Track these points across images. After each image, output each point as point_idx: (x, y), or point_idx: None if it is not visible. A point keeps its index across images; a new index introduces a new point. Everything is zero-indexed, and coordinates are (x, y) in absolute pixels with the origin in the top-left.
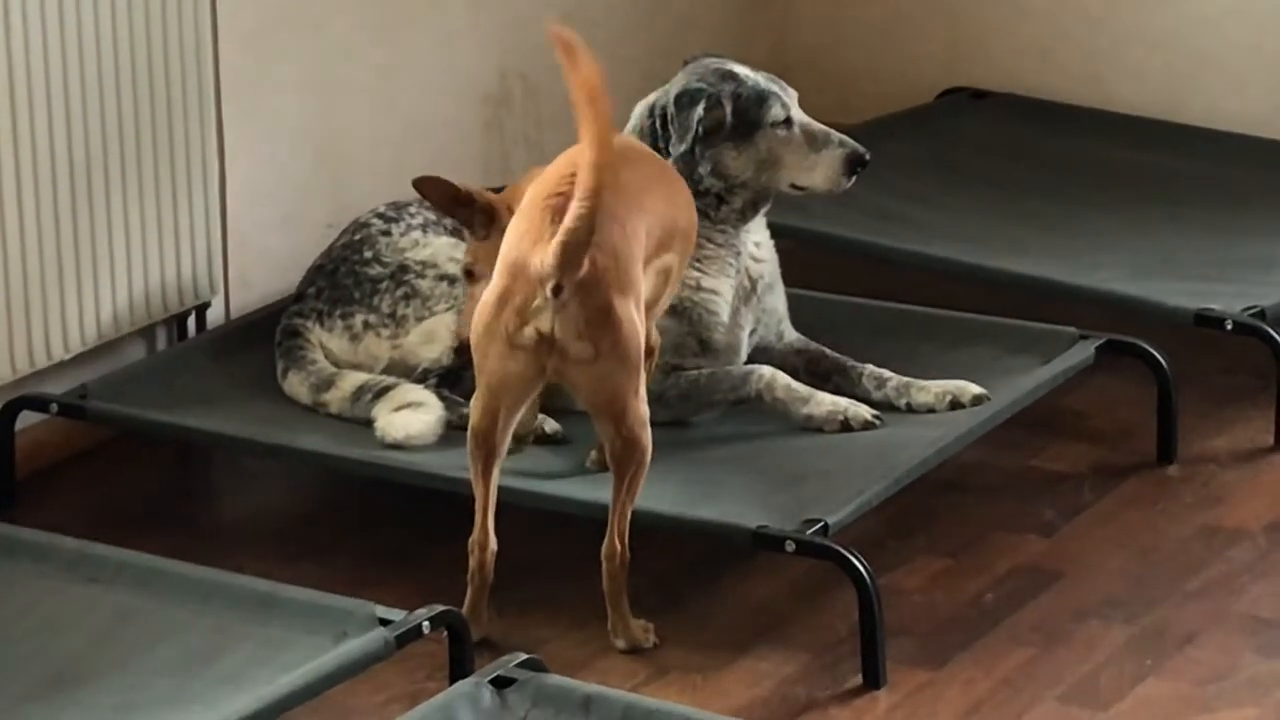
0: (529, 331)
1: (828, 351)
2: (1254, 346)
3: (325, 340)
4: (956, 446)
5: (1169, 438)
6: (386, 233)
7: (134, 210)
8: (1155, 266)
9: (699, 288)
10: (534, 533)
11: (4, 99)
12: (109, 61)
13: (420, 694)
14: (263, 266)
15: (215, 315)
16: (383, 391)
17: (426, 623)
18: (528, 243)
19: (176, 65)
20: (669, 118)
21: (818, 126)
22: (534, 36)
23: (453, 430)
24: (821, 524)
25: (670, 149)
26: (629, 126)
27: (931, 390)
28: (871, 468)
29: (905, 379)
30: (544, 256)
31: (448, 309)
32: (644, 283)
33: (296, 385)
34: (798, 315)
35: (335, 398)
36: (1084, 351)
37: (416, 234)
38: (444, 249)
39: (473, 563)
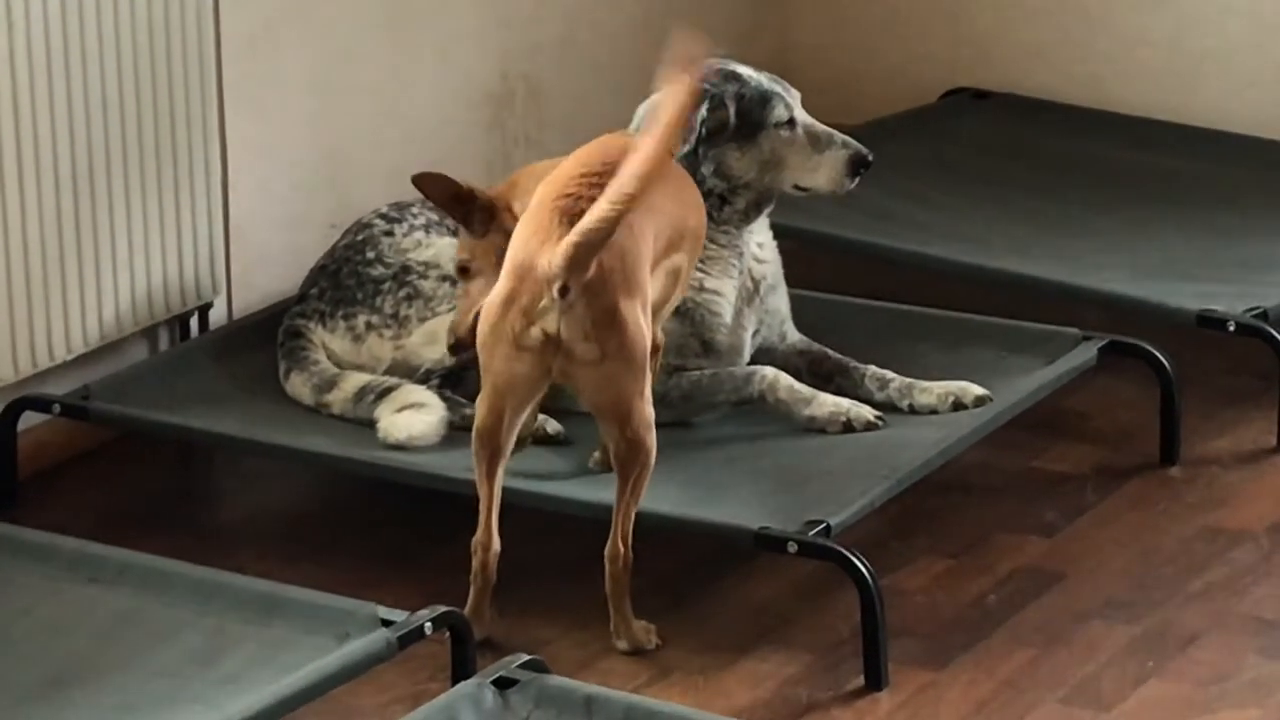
0: (535, 332)
1: (830, 352)
2: (1256, 347)
3: (328, 341)
4: (959, 448)
5: (1171, 439)
6: (389, 233)
7: (136, 210)
8: (1157, 267)
9: (702, 289)
10: (536, 533)
11: (7, 100)
12: (111, 62)
13: (422, 695)
14: (265, 267)
15: (218, 316)
16: (385, 392)
17: (429, 623)
18: (535, 243)
19: (179, 66)
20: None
21: (821, 127)
22: (537, 37)
23: (455, 431)
24: (824, 525)
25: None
26: (631, 127)
27: (934, 391)
28: (874, 469)
29: (908, 380)
30: (551, 257)
31: (450, 310)
32: (653, 283)
33: (299, 386)
34: (800, 316)
35: (338, 398)
36: (1087, 352)
37: (419, 234)
38: (446, 250)
39: (476, 563)
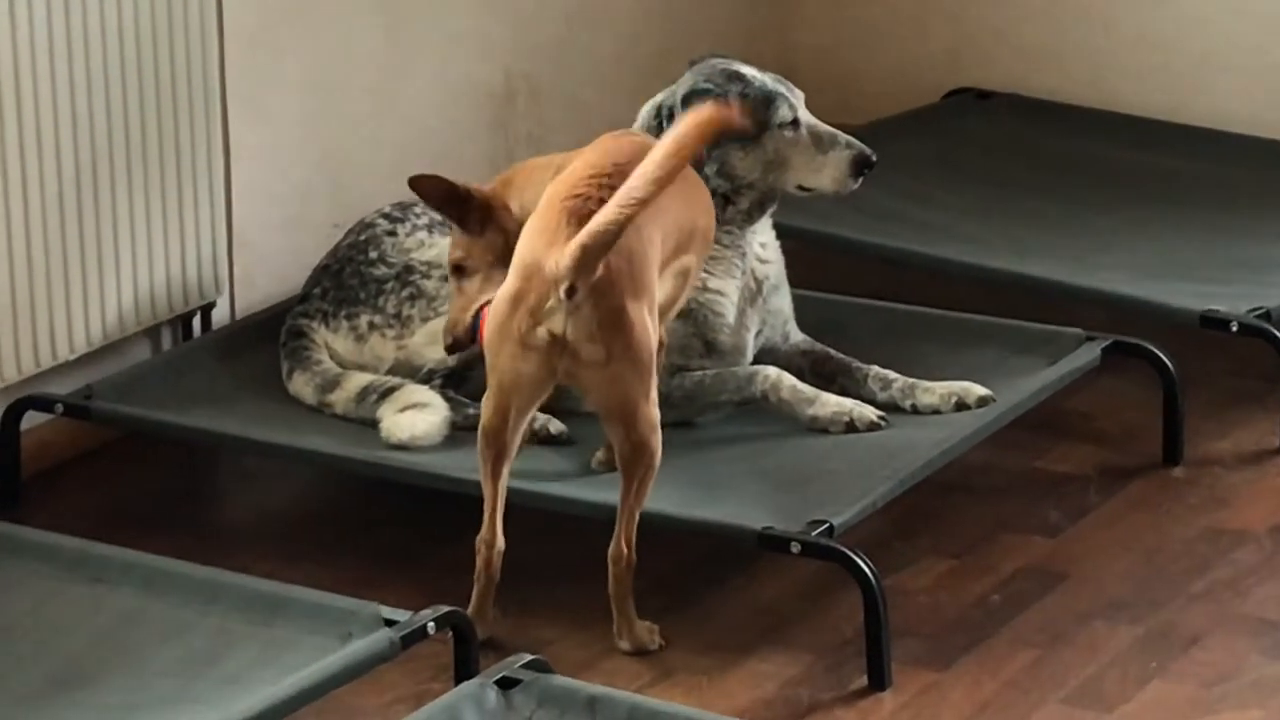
0: (541, 333)
1: (833, 352)
2: (1260, 348)
3: (330, 341)
4: (962, 448)
5: (1174, 439)
6: (392, 233)
7: (139, 210)
8: (1160, 267)
9: (705, 289)
10: (539, 533)
11: (9, 99)
12: (114, 62)
13: (425, 695)
14: (268, 267)
15: (220, 315)
16: (388, 392)
17: (431, 623)
18: (543, 243)
19: (182, 66)
20: (676, 119)
21: (824, 128)
22: (539, 36)
23: (458, 431)
24: (827, 525)
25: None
26: (635, 127)
27: (937, 391)
28: (877, 469)
29: (910, 380)
30: (559, 258)
31: None
32: (662, 285)
33: (301, 386)
34: (803, 316)
35: (340, 398)
36: (1090, 353)
37: (422, 234)
38: (449, 249)
39: (480, 561)
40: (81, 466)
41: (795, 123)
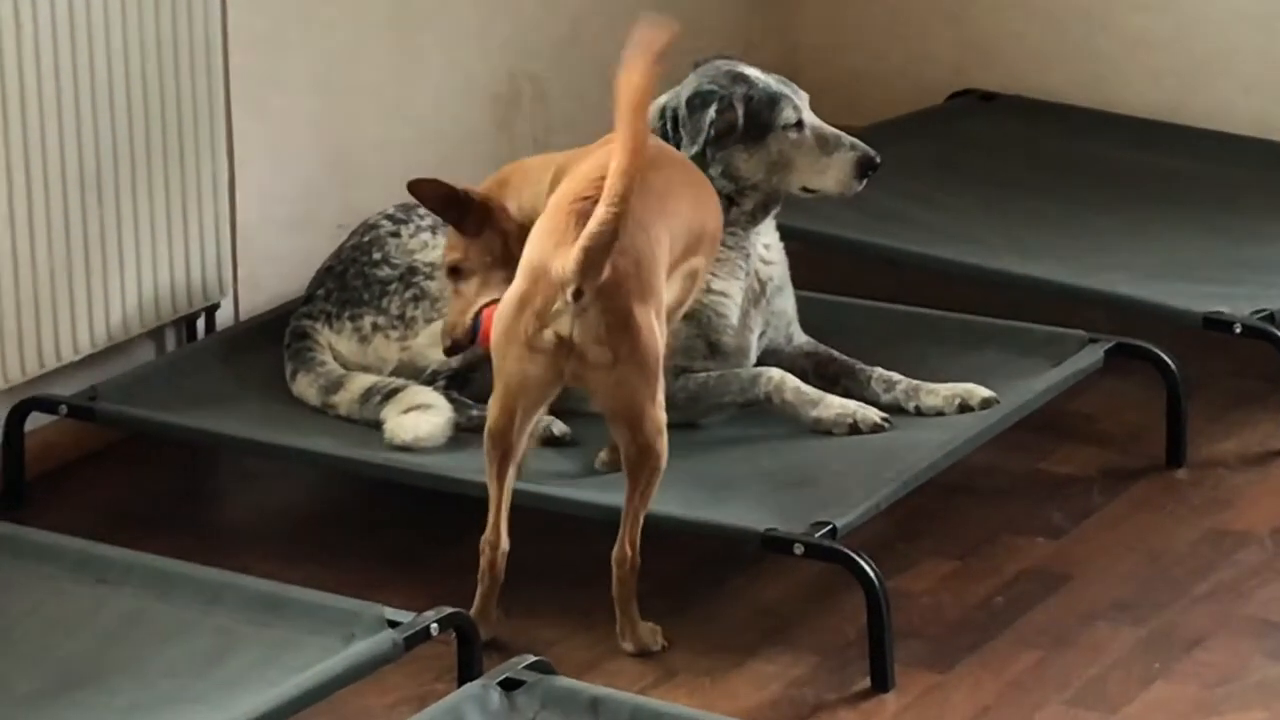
0: (548, 335)
1: (836, 354)
2: (1263, 349)
3: (334, 342)
4: (965, 449)
5: (1178, 441)
6: (396, 234)
7: (144, 212)
8: (1163, 269)
9: (709, 290)
10: (542, 534)
11: (14, 101)
12: (119, 63)
13: (428, 696)
14: (272, 268)
15: (224, 317)
16: (391, 393)
17: (435, 625)
18: (550, 245)
19: (186, 67)
20: (680, 120)
21: (829, 129)
22: (543, 37)
23: (461, 432)
24: (830, 527)
25: (682, 151)
26: None
27: (940, 393)
28: (880, 471)
29: (914, 382)
30: (565, 260)
31: None
32: (670, 286)
33: (305, 387)
34: (806, 318)
35: (344, 399)
36: (1093, 355)
37: (426, 235)
38: (443, 251)
39: (484, 561)
40: (86, 467)
41: (800, 124)
